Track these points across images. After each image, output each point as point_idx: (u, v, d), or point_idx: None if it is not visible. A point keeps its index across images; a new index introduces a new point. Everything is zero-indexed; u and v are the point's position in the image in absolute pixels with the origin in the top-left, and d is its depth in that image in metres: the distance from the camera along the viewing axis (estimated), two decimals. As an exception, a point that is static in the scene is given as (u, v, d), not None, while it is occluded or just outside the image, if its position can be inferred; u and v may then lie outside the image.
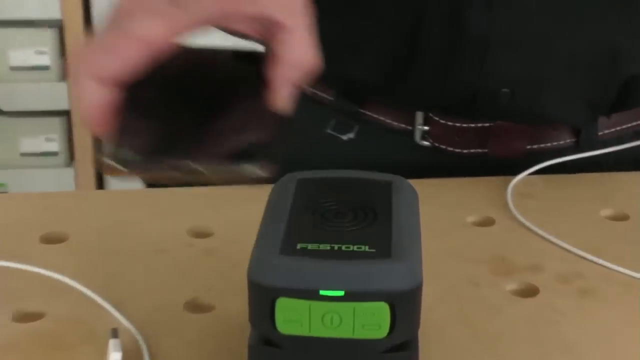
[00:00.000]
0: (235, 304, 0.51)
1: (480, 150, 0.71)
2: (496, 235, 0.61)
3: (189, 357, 0.47)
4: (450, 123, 0.71)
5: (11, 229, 0.62)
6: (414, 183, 0.65)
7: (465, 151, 0.72)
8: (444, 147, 0.72)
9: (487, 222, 0.63)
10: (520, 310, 0.52)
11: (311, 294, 0.37)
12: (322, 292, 0.37)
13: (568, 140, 0.73)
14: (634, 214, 0.63)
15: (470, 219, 0.63)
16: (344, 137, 0.74)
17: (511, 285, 0.54)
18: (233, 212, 0.64)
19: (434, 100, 0.71)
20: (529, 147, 0.71)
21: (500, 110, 0.71)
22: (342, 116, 0.74)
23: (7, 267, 0.53)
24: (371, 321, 0.38)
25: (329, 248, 0.39)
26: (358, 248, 0.39)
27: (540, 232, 0.60)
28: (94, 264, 0.56)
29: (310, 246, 0.39)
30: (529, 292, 0.54)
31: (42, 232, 0.60)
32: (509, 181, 0.68)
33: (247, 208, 0.60)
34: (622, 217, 0.64)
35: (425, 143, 0.72)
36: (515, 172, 0.69)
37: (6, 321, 0.49)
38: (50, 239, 0.60)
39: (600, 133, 0.73)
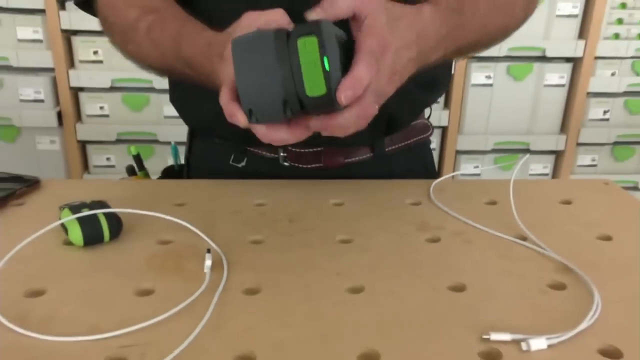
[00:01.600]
0: (277, 240, 0.57)
1: (317, 165, 0.74)
2: (421, 210, 0.65)
3: (249, 265, 0.53)
4: (298, 150, 0.73)
5: (150, 196, 0.67)
6: (381, 183, 0.70)
7: (309, 166, 0.74)
8: (296, 164, 0.73)
9: (417, 203, 0.66)
10: (430, 249, 0.56)
11: None
12: None
13: (368, 155, 0.74)
14: (503, 202, 0.66)
15: (408, 201, 0.67)
16: (239, 165, 0.76)
17: (426, 236, 0.59)
18: (278, 192, 0.67)
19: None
20: (345, 160, 0.74)
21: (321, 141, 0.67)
22: (237, 152, 0.75)
23: (152, 216, 0.58)
24: None
25: None
26: None
27: (445, 208, 0.64)
28: (202, 216, 0.61)
29: None
30: (435, 239, 0.58)
31: (173, 201, 0.65)
32: (432, 182, 0.71)
33: (289, 190, 0.67)
34: (492, 203, 0.66)
35: (286, 163, 0.74)
36: (337, 177, 0.71)
37: (153, 244, 0.56)
38: (178, 204, 0.65)
39: (387, 149, 0.75)
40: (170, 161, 1.77)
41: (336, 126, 0.45)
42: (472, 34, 0.57)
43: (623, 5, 1.73)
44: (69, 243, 0.55)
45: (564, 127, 1.86)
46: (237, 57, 0.44)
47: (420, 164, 0.80)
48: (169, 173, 0.88)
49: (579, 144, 1.87)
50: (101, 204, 0.57)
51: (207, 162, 0.81)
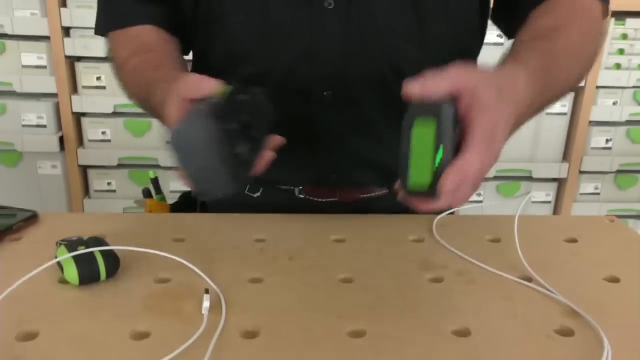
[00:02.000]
0: (276, 279, 0.56)
1: (333, 199, 0.73)
2: (424, 247, 0.63)
3: (248, 306, 0.51)
4: (314, 185, 0.73)
5: (149, 230, 0.65)
6: (382, 218, 0.69)
7: (324, 200, 0.73)
8: (311, 198, 0.73)
9: (420, 240, 0.65)
10: (433, 290, 0.55)
11: None
12: None
13: (384, 191, 0.74)
14: (507, 239, 0.64)
15: (410, 237, 0.65)
16: (254, 195, 0.75)
17: (429, 275, 0.57)
18: (278, 227, 0.67)
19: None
20: (361, 195, 0.74)
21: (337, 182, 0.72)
22: (252, 183, 0.75)
23: (149, 253, 0.57)
24: None
25: None
26: None
27: (448, 246, 0.63)
28: (201, 253, 0.60)
29: None
30: (439, 279, 0.57)
31: (172, 236, 0.64)
32: (435, 217, 0.69)
33: (280, 224, 0.66)
34: (496, 240, 0.65)
35: (301, 196, 0.73)
36: (350, 211, 0.70)
37: (150, 282, 0.55)
38: (177, 239, 0.64)
39: None
40: (172, 187, 1.77)
41: (427, 208, 0.43)
42: (557, 90, 0.57)
43: (624, 36, 1.74)
44: (64, 281, 0.54)
45: (566, 155, 1.86)
46: (177, 149, 0.45)
47: None
48: (187, 197, 0.87)
49: (581, 172, 1.86)
50: (98, 241, 0.56)
51: None
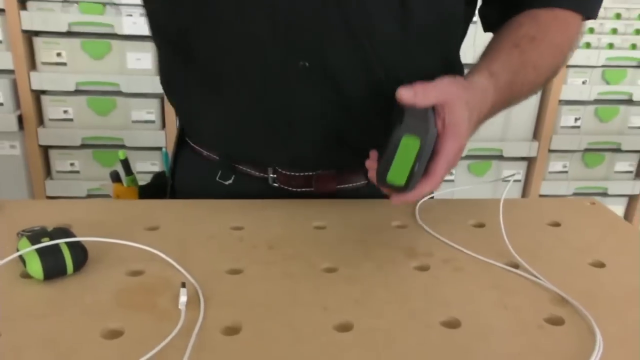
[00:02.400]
0: (257, 269, 0.53)
1: (308, 189, 0.70)
2: (408, 233, 0.62)
3: (228, 299, 0.49)
4: (288, 173, 0.69)
5: (119, 219, 0.61)
6: (364, 203, 0.67)
7: (298, 190, 0.70)
8: (285, 187, 0.70)
9: (404, 226, 0.64)
10: (420, 279, 0.53)
11: None
12: None
13: (363, 182, 0.71)
14: (491, 224, 0.64)
15: (393, 223, 0.64)
16: (226, 183, 0.72)
17: (414, 264, 0.56)
18: (256, 214, 0.64)
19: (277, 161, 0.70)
20: (338, 186, 0.71)
21: (313, 163, 0.69)
22: (224, 169, 0.72)
23: (119, 244, 0.55)
24: None
25: None
26: None
27: (432, 232, 0.62)
28: (175, 243, 0.57)
29: None
30: (424, 268, 0.55)
31: (144, 224, 0.61)
32: (417, 202, 0.68)
33: (262, 213, 0.63)
34: (480, 225, 0.64)
35: (275, 184, 0.70)
36: None
37: (122, 276, 0.52)
38: (150, 228, 0.60)
39: None
40: (140, 167, 1.71)
41: (394, 197, 0.54)
42: (519, 99, 0.65)
43: (594, 15, 1.75)
44: (27, 276, 0.50)
45: (536, 134, 1.87)
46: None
47: None
48: (160, 179, 0.83)
49: (550, 151, 1.87)
50: (64, 232, 0.52)
51: (192, 177, 0.76)
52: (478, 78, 0.58)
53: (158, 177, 0.82)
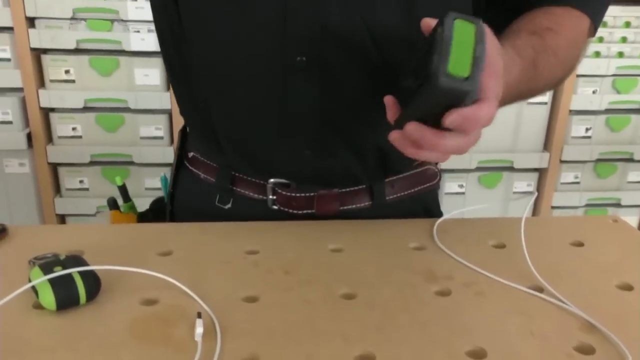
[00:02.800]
0: (273, 296, 0.52)
1: (309, 211, 0.68)
2: (426, 256, 0.60)
3: (245, 329, 0.47)
4: (288, 194, 0.67)
5: (131, 244, 0.60)
6: (380, 224, 0.66)
7: (299, 212, 0.68)
8: (286, 209, 0.68)
9: (422, 247, 0.62)
10: (441, 305, 0.52)
11: None
12: None
13: (367, 203, 0.69)
14: (512, 245, 0.62)
15: (411, 244, 0.62)
16: (225, 207, 0.70)
17: (435, 288, 0.54)
18: (270, 237, 0.62)
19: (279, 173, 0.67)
20: (341, 208, 0.68)
21: (317, 177, 0.67)
22: (222, 193, 0.70)
23: (136, 272, 0.53)
24: None
25: None
26: None
27: (452, 254, 0.60)
28: (189, 269, 0.55)
29: None
30: (446, 292, 0.54)
31: (157, 249, 0.59)
32: (434, 222, 0.66)
33: (279, 234, 0.61)
34: (501, 246, 0.62)
35: (275, 207, 0.68)
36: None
37: (136, 305, 0.50)
38: (163, 253, 0.59)
39: (388, 198, 0.70)
40: (148, 184, 1.70)
41: (469, 120, 0.43)
42: (539, 84, 0.60)
43: (603, 24, 1.73)
44: (39, 307, 0.49)
45: (547, 145, 1.85)
46: None
47: (422, 214, 0.73)
48: (159, 204, 0.82)
49: (562, 162, 1.85)
50: (76, 260, 0.51)
51: (191, 200, 0.75)
52: (504, 46, 0.53)
53: (157, 202, 0.81)
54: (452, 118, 0.42)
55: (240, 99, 0.64)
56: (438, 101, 0.42)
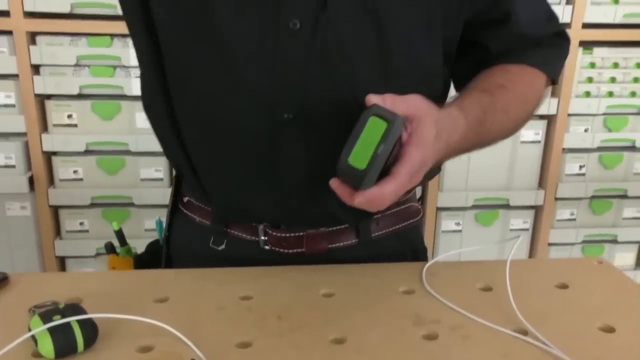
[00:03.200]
0: (266, 342, 0.53)
1: (299, 250, 0.70)
2: (415, 300, 0.62)
3: None
4: (279, 234, 0.70)
5: (128, 291, 0.62)
6: (370, 268, 0.68)
7: (290, 251, 0.70)
8: (277, 249, 0.70)
9: (411, 291, 0.63)
10: (429, 349, 0.53)
11: None
12: None
13: (353, 241, 0.71)
14: (499, 287, 0.64)
15: (400, 288, 0.64)
16: (219, 248, 0.73)
17: (422, 332, 0.56)
18: (264, 283, 0.64)
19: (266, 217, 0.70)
20: (329, 246, 0.71)
21: (305, 219, 0.69)
22: (216, 235, 0.73)
23: (133, 319, 0.55)
24: None
25: None
26: None
27: (440, 298, 0.61)
28: (185, 315, 0.57)
29: None
30: (433, 336, 0.55)
31: (154, 296, 0.61)
32: (424, 265, 0.68)
33: (265, 281, 0.63)
34: (487, 289, 0.63)
35: (267, 247, 0.71)
36: (320, 262, 0.69)
37: (132, 352, 0.52)
38: (159, 300, 0.60)
39: (373, 235, 0.72)
40: (148, 225, 1.72)
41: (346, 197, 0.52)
42: (486, 140, 0.65)
43: (592, 65, 1.78)
44: (38, 355, 0.51)
45: (541, 182, 1.88)
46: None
47: (408, 248, 0.77)
48: (154, 247, 0.84)
49: (557, 199, 1.88)
50: (75, 309, 0.53)
51: (186, 243, 0.77)
52: (449, 108, 0.59)
53: (152, 245, 0.83)
54: (358, 200, 0.51)
55: (227, 153, 0.67)
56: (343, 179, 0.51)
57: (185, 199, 0.77)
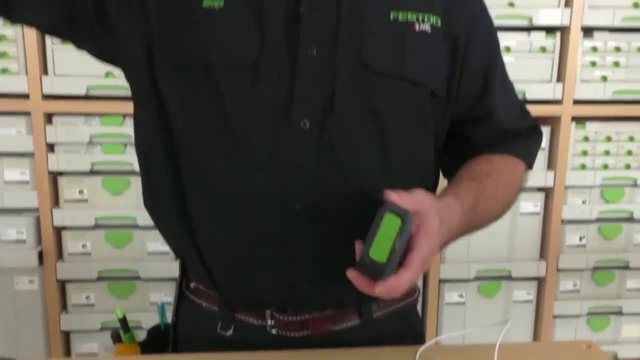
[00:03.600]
0: None
1: (305, 333, 0.74)
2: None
3: None
4: (286, 318, 0.73)
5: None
6: (368, 352, 0.70)
7: (296, 334, 0.74)
8: (284, 333, 0.74)
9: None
10: None
11: None
12: None
13: (356, 322, 0.75)
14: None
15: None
16: (227, 334, 0.75)
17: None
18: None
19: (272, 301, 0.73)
20: (333, 328, 0.74)
21: (311, 304, 0.73)
22: (224, 320, 0.76)
23: None
24: None
25: None
26: None
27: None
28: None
29: None
30: None
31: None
32: (418, 349, 0.71)
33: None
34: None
35: (274, 331, 0.74)
36: (325, 345, 0.73)
37: None
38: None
39: (374, 315, 0.76)
40: (153, 298, 1.75)
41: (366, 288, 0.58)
42: (480, 224, 0.73)
43: (586, 139, 1.84)
44: None
45: (543, 254, 1.89)
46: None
47: (407, 329, 0.80)
48: (155, 332, 0.87)
49: (559, 270, 1.89)
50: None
51: (194, 328, 0.80)
52: (446, 198, 0.66)
53: (153, 330, 0.86)
54: (379, 289, 0.56)
55: (239, 244, 0.71)
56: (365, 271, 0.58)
57: (192, 285, 0.81)
